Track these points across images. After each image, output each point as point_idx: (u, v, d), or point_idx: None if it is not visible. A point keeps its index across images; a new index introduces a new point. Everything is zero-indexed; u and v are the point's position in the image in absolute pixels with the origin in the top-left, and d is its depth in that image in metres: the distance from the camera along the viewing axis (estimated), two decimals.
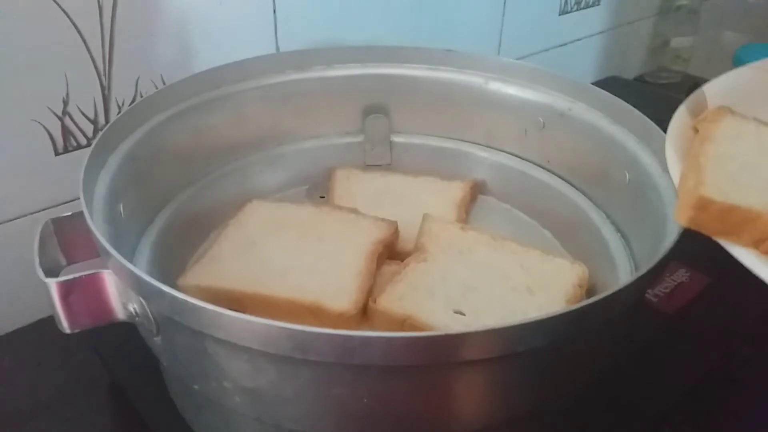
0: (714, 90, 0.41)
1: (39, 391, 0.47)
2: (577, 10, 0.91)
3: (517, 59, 0.83)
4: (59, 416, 0.46)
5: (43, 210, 0.54)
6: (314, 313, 0.41)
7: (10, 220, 0.53)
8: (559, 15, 0.90)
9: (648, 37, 1.06)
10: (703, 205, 0.30)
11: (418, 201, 0.54)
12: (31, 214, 0.54)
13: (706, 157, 0.33)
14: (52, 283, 0.35)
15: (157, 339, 0.36)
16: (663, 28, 1.03)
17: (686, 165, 0.34)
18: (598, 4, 0.94)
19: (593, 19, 0.95)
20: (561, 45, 0.93)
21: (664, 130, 0.46)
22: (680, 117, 0.39)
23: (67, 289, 0.35)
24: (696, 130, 0.37)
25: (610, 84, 0.99)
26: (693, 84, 0.83)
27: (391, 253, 0.48)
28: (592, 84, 0.54)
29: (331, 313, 0.41)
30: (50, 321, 0.37)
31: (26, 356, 0.51)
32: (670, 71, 1.04)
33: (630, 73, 1.07)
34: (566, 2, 0.89)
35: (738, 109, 0.39)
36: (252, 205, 0.51)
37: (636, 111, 0.48)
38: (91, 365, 0.49)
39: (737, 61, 0.89)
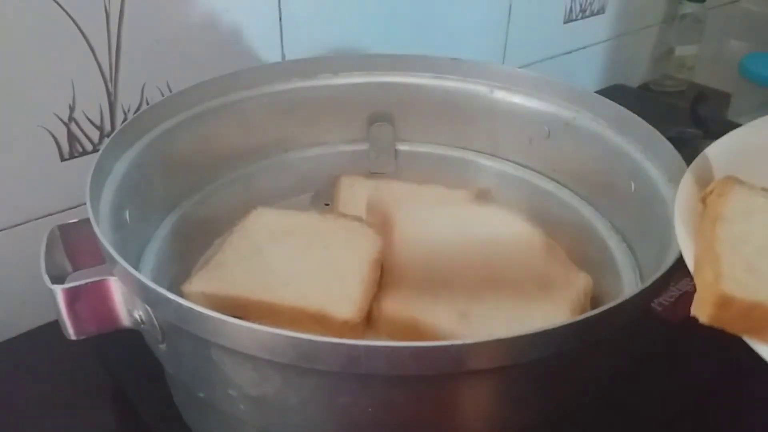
0: (717, 154, 0.40)
1: (43, 398, 0.47)
2: (581, 18, 0.91)
3: (522, 67, 0.84)
4: (63, 423, 0.46)
5: (48, 216, 0.54)
6: (318, 321, 0.41)
7: (16, 226, 0.53)
8: (564, 23, 0.90)
9: (653, 45, 1.06)
10: (724, 303, 0.29)
11: None
12: (36, 219, 0.54)
13: (720, 242, 0.32)
14: (58, 290, 0.35)
15: (163, 346, 0.36)
16: (668, 36, 1.03)
17: (700, 250, 0.32)
18: (603, 13, 0.94)
19: (598, 28, 0.95)
20: (566, 53, 0.93)
21: (669, 139, 0.46)
22: (686, 188, 0.37)
23: (73, 295, 0.36)
24: (704, 201, 0.36)
25: (614, 92, 0.99)
26: (698, 92, 0.84)
27: None
28: (597, 92, 0.54)
29: (335, 320, 0.41)
30: (54, 327, 0.37)
31: (30, 362, 0.51)
32: (674, 79, 1.04)
33: (635, 82, 1.07)
34: (571, 10, 0.89)
35: (743, 174, 0.37)
36: (257, 213, 0.51)
37: (641, 120, 0.48)
38: (95, 372, 0.49)
39: (742, 70, 0.89)
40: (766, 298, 0.28)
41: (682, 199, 0.36)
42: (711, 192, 0.36)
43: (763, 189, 0.36)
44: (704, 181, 0.38)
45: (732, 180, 0.36)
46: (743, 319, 0.29)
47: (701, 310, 0.29)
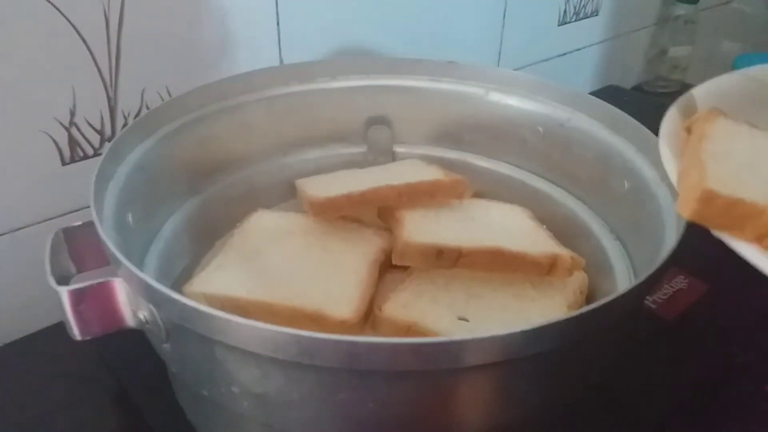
0: (703, 93, 0.41)
1: (47, 398, 0.48)
2: (576, 20, 0.92)
3: (517, 69, 0.85)
4: (67, 423, 0.46)
5: (49, 219, 0.55)
6: (316, 321, 0.42)
7: (18, 229, 0.54)
8: (558, 25, 0.91)
9: (646, 46, 1.07)
10: (708, 198, 0.30)
11: None
12: (38, 223, 0.54)
13: (706, 153, 0.33)
14: (64, 291, 0.36)
15: (167, 346, 0.37)
16: (661, 37, 1.04)
17: (686, 161, 0.34)
18: (597, 15, 0.95)
19: (592, 30, 0.96)
20: (560, 55, 0.94)
21: None
22: (671, 117, 0.39)
23: (78, 296, 0.36)
24: (688, 131, 0.38)
25: (608, 93, 1.00)
26: None
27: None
28: (591, 93, 0.54)
29: (332, 320, 0.41)
30: (57, 328, 0.38)
31: (34, 363, 0.51)
32: (668, 80, 1.05)
33: (628, 83, 1.08)
34: (565, 13, 0.90)
35: (728, 111, 0.39)
36: (257, 215, 0.51)
37: (634, 120, 0.49)
38: (98, 374, 0.50)
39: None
40: (748, 197, 0.30)
41: (666, 125, 0.38)
42: (696, 120, 0.37)
43: (747, 121, 0.37)
44: (688, 113, 0.39)
45: (717, 111, 0.38)
46: (724, 215, 0.30)
47: (685, 207, 0.31)
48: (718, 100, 0.40)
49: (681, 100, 0.40)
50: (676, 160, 0.35)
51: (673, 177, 0.34)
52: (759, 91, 0.42)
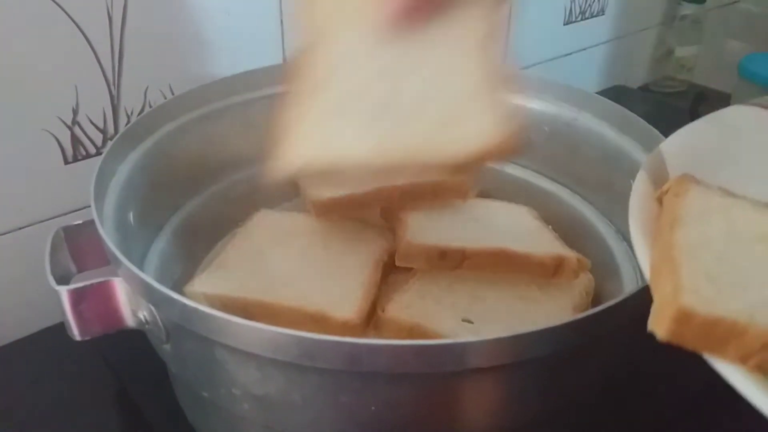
0: (673, 149, 0.38)
1: (48, 398, 0.48)
2: (582, 19, 0.92)
3: (523, 69, 0.84)
4: (68, 423, 0.46)
5: (51, 218, 0.54)
6: (318, 322, 0.41)
7: (20, 228, 0.53)
8: (564, 25, 0.90)
9: (652, 46, 1.06)
10: (683, 318, 0.26)
11: None
12: (40, 222, 0.54)
13: (678, 249, 0.29)
14: (64, 291, 0.36)
15: (167, 346, 0.37)
16: (667, 37, 1.03)
17: (657, 256, 0.30)
18: (603, 14, 0.94)
19: (598, 29, 0.96)
20: (566, 54, 0.93)
21: None
22: (641, 187, 0.35)
23: (78, 296, 0.36)
24: (659, 202, 0.34)
25: (615, 93, 0.99)
26: (698, 93, 0.84)
27: None
28: (597, 93, 0.54)
29: (334, 321, 0.41)
30: (58, 329, 0.38)
31: (35, 363, 0.51)
32: (674, 80, 1.04)
33: (635, 83, 1.07)
34: (571, 12, 0.90)
35: (699, 169, 0.35)
36: (260, 215, 0.51)
37: (641, 120, 0.49)
38: (99, 373, 0.50)
39: (742, 70, 0.89)
40: (728, 313, 0.27)
41: (636, 199, 0.34)
42: (667, 191, 0.34)
43: (720, 188, 0.34)
44: (660, 178, 0.36)
45: (687, 179, 0.35)
46: (703, 336, 0.27)
47: (659, 326, 0.27)
48: (689, 157, 0.37)
49: (649, 161, 0.37)
50: (648, 246, 0.31)
51: (647, 271, 0.30)
52: (732, 140, 0.40)
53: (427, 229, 0.46)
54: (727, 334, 0.27)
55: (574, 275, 0.44)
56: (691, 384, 0.50)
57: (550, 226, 0.51)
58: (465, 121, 0.34)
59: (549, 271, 0.44)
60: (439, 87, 0.35)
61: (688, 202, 0.33)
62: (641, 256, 0.31)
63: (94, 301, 0.36)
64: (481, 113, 0.34)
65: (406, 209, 0.48)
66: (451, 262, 0.44)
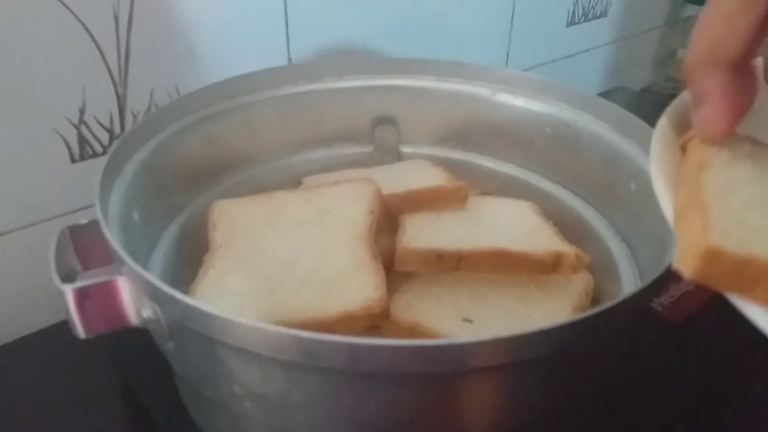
0: None
1: (52, 396, 0.48)
2: (584, 21, 0.92)
3: (525, 70, 0.84)
4: (72, 421, 0.47)
5: (58, 217, 0.55)
6: (345, 323, 0.39)
7: (27, 227, 0.54)
8: (567, 26, 0.90)
9: (655, 48, 1.06)
10: (713, 257, 0.25)
11: None
12: (47, 220, 0.55)
13: (707, 191, 0.28)
14: (69, 289, 0.36)
15: (170, 345, 0.37)
16: (670, 39, 1.04)
17: (683, 199, 0.29)
18: (605, 16, 0.95)
19: (600, 31, 0.96)
20: (568, 56, 0.93)
21: None
22: (662, 133, 0.34)
23: (82, 295, 0.36)
24: (683, 149, 0.33)
25: (616, 95, 0.99)
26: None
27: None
28: (599, 95, 0.54)
29: (362, 317, 0.39)
30: (63, 326, 0.38)
31: (40, 361, 0.51)
32: (676, 82, 1.04)
33: (637, 84, 1.07)
34: (573, 14, 0.90)
35: None
36: (219, 205, 0.49)
37: (642, 122, 0.49)
38: (104, 370, 0.50)
39: None
40: (759, 253, 0.25)
41: (657, 144, 0.33)
42: (692, 138, 0.33)
43: (748, 136, 0.32)
44: (682, 126, 0.34)
45: None
46: (731, 275, 0.26)
47: (686, 263, 0.26)
48: None
49: (672, 108, 0.37)
50: (670, 191, 0.30)
51: (669, 215, 0.29)
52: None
53: (424, 232, 0.46)
54: (757, 274, 0.26)
55: (572, 270, 0.44)
56: (691, 384, 0.50)
57: (550, 221, 0.51)
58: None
59: (547, 268, 0.44)
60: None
61: (716, 148, 0.31)
62: (663, 199, 0.30)
63: (99, 299, 0.36)
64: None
65: (405, 212, 0.48)
66: (449, 264, 0.44)
